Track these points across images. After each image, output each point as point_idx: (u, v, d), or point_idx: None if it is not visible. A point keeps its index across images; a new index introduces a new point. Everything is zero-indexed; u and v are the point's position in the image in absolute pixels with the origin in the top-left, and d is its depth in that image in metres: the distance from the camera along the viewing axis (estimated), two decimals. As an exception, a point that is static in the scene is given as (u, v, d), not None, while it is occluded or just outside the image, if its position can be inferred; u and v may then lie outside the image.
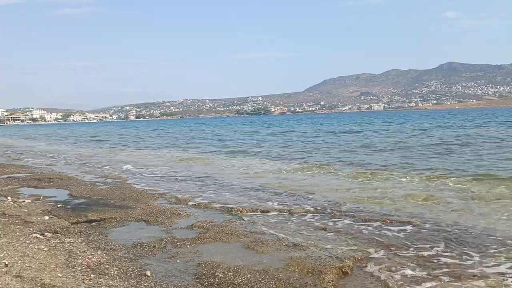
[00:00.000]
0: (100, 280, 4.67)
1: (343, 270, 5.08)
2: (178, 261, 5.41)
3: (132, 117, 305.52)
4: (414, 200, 8.89)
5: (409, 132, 34.30)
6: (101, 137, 48.50)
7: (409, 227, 6.92)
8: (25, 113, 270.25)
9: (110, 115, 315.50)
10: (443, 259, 5.42)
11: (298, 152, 21.10)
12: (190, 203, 9.20)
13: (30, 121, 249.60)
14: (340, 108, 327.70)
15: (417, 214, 7.76)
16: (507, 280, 4.72)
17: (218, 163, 17.36)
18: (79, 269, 5.00)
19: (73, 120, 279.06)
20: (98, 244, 6.12)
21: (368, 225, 7.11)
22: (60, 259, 5.30)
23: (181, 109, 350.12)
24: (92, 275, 4.80)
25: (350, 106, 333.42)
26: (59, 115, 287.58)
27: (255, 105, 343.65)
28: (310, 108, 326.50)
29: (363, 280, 4.81)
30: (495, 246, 5.86)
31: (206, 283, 4.67)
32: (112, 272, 4.93)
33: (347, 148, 21.82)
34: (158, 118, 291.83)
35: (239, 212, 8.18)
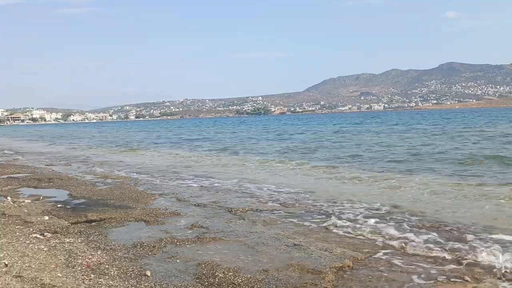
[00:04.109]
0: (100, 280, 4.67)
1: (343, 270, 5.08)
2: (178, 261, 5.41)
3: (132, 117, 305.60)
4: (414, 199, 8.89)
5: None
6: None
7: (409, 227, 6.92)
8: (25, 113, 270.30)
9: (110, 115, 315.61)
10: (444, 259, 5.42)
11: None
12: (190, 202, 9.20)
13: (30, 121, 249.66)
14: (340, 108, 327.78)
15: (418, 213, 7.76)
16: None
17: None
18: (79, 269, 4.99)
19: (73, 120, 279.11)
20: (98, 244, 6.12)
21: (369, 225, 7.10)
22: (60, 259, 5.30)
23: (181, 109, 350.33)
24: (92, 275, 4.79)
25: (350, 106, 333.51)
26: (59, 115, 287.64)
27: (255, 105, 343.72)
28: (310, 108, 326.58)
29: (364, 280, 4.80)
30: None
31: (206, 283, 4.67)
32: (112, 272, 4.93)
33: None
34: (158, 118, 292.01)
35: (239, 212, 8.18)
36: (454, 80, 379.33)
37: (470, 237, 6.22)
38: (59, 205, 8.98)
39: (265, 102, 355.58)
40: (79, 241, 6.26)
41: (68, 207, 8.86)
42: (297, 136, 35.37)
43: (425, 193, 9.50)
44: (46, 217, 7.74)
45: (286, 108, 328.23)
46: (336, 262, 5.31)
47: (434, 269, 5.07)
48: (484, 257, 5.36)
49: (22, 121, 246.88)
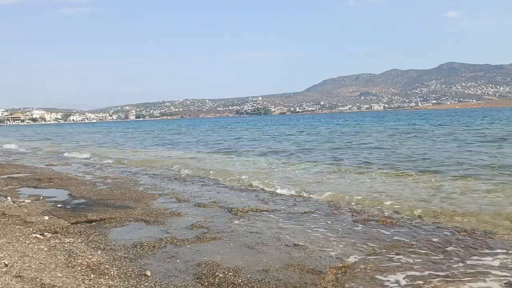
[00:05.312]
0: (100, 280, 4.67)
1: (343, 270, 5.08)
2: (178, 261, 5.41)
3: (132, 117, 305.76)
4: (416, 199, 8.89)
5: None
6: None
7: (409, 227, 6.93)
8: (25, 113, 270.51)
9: (110, 115, 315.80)
10: (444, 259, 5.42)
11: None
12: (190, 203, 9.20)
13: (30, 121, 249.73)
14: (340, 108, 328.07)
15: (417, 215, 7.76)
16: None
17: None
18: (79, 269, 4.99)
19: (73, 120, 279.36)
20: (98, 244, 6.12)
21: (369, 225, 7.11)
22: (60, 259, 5.30)
23: (181, 109, 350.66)
24: (92, 275, 4.80)
25: (350, 106, 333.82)
26: (59, 115, 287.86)
27: (255, 105, 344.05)
28: (310, 108, 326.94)
29: (364, 280, 4.80)
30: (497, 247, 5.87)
31: (206, 283, 4.67)
32: (112, 272, 4.93)
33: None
34: (158, 118, 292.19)
35: (239, 212, 8.18)
36: (454, 80, 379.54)
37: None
38: (59, 205, 8.98)
39: (265, 102, 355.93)
40: (79, 241, 6.26)
41: (68, 207, 8.85)
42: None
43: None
44: (46, 217, 7.74)
45: (286, 108, 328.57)
46: (336, 262, 5.31)
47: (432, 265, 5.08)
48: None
49: (22, 121, 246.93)
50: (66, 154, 24.04)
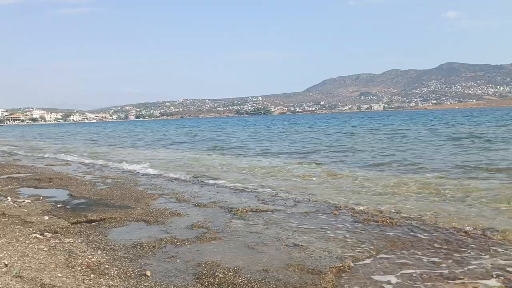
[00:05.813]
0: (100, 280, 4.67)
1: (343, 270, 5.08)
2: (178, 261, 5.41)
3: (132, 117, 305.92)
4: (416, 200, 8.89)
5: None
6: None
7: (409, 227, 6.93)
8: (25, 113, 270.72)
9: (110, 115, 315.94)
10: (444, 259, 5.43)
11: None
12: (190, 203, 9.20)
13: (30, 121, 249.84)
14: (340, 108, 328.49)
15: (416, 215, 7.76)
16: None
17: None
18: (79, 269, 4.99)
19: (73, 120, 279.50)
20: (98, 244, 6.12)
21: (369, 225, 7.11)
22: (60, 259, 5.30)
23: (181, 109, 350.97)
24: (92, 275, 4.79)
25: (350, 106, 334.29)
26: (59, 115, 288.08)
27: (255, 105, 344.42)
28: (310, 108, 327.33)
29: (363, 281, 4.80)
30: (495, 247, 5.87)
31: (206, 283, 4.67)
32: (112, 272, 4.93)
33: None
34: (158, 118, 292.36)
35: (239, 212, 8.18)
36: (454, 80, 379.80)
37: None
38: (59, 205, 8.98)
39: (265, 102, 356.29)
40: (79, 241, 6.25)
41: (68, 207, 8.85)
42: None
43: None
44: (46, 217, 7.74)
45: (286, 108, 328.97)
46: (336, 262, 5.31)
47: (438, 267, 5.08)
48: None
49: (22, 121, 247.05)
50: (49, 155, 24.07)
